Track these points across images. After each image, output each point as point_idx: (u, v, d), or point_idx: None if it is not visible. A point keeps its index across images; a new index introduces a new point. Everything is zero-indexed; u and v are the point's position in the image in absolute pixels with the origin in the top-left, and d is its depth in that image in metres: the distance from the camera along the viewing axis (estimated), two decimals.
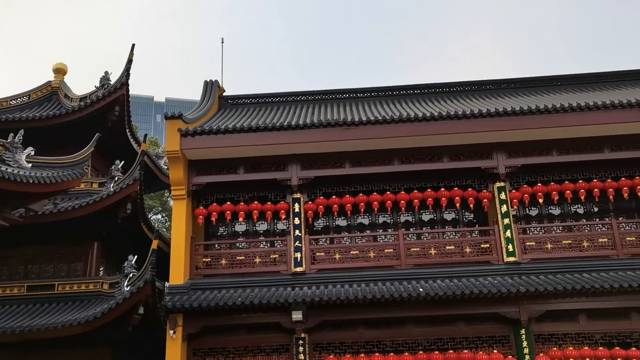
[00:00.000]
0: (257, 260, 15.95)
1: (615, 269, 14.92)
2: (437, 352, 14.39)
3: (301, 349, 14.52)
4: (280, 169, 16.32)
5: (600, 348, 14.18)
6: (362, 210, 16.48)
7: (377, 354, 14.53)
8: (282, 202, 16.30)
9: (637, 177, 15.84)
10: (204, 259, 16.17)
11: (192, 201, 16.47)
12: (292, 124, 15.85)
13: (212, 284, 15.52)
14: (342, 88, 21.23)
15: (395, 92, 20.84)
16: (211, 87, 20.77)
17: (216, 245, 17.04)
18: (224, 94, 21.26)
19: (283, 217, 16.35)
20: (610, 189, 15.84)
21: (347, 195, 16.33)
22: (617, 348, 14.14)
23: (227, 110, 20.38)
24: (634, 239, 15.54)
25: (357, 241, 16.86)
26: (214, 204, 16.43)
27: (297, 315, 14.38)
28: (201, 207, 16.37)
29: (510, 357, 14.25)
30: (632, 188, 15.76)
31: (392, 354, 14.47)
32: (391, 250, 15.92)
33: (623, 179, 15.90)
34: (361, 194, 16.29)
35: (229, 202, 16.39)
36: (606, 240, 15.56)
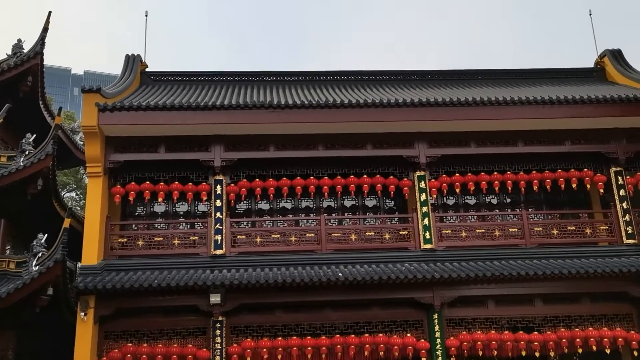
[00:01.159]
0: (176, 241, 15.61)
1: (523, 257, 15.69)
2: (353, 335, 14.66)
3: (218, 332, 14.38)
4: (203, 149, 15.98)
5: (506, 332, 14.90)
6: (285, 194, 16.44)
7: (294, 337, 14.62)
8: (204, 183, 15.99)
9: (547, 171, 16.66)
10: (119, 240, 15.64)
11: (109, 179, 15.85)
12: (216, 104, 15.53)
13: (127, 265, 15.04)
14: (270, 70, 21.02)
15: (323, 77, 20.82)
16: (133, 62, 19.99)
17: (133, 226, 16.53)
18: (147, 69, 20.53)
19: (204, 198, 16.05)
20: (522, 182, 16.57)
21: (271, 179, 16.24)
22: (521, 332, 14.91)
23: (149, 86, 19.69)
24: (541, 229, 16.39)
25: (279, 225, 16.84)
26: (132, 183, 15.89)
27: (215, 298, 14.22)
28: (118, 186, 15.79)
29: (422, 340, 14.73)
30: (541, 181, 16.57)
31: (309, 337, 14.60)
32: (312, 234, 16.02)
33: (534, 172, 16.68)
34: (285, 178, 16.24)
35: (148, 182, 15.90)
36: (516, 230, 16.33)
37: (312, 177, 16.30)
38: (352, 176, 16.38)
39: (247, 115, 15.55)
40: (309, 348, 14.39)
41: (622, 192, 16.34)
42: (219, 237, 15.40)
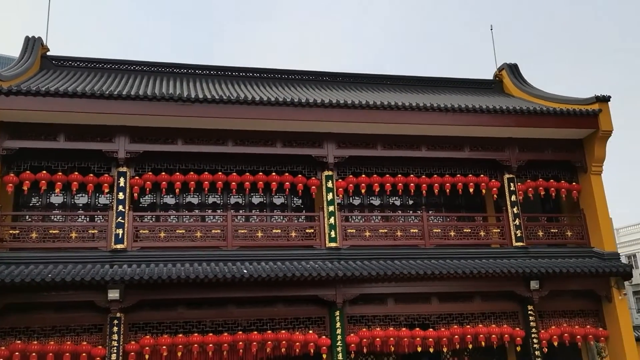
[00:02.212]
0: (74, 235, 14.95)
1: (423, 257, 16.36)
2: (256, 332, 14.68)
3: (115, 329, 13.92)
4: (106, 140, 15.42)
5: (404, 329, 15.47)
6: (192, 189, 16.16)
7: (195, 334, 14.42)
8: (107, 175, 15.43)
9: (447, 176, 17.46)
10: (11, 231, 14.77)
11: (2, 167, 14.93)
12: (122, 94, 15.02)
13: (19, 258, 14.24)
14: (181, 62, 20.53)
15: (237, 73, 20.62)
16: (33, 44, 18.88)
17: (27, 217, 15.66)
18: (49, 53, 19.47)
19: (106, 191, 15.47)
20: (424, 185, 17.25)
21: (178, 173, 15.93)
22: (417, 329, 15.55)
23: (50, 71, 18.69)
24: (439, 230, 17.17)
25: (185, 220, 16.55)
26: (28, 171, 15.04)
27: (113, 294, 13.75)
28: (12, 175, 14.90)
29: (324, 337, 14.99)
30: (442, 185, 17.34)
31: (211, 334, 14.45)
32: (219, 231, 15.89)
33: (435, 176, 17.42)
34: (192, 173, 15.98)
35: (45, 171, 15.11)
36: (417, 230, 17.00)
37: (220, 173, 16.15)
38: (260, 173, 16.39)
39: (155, 107, 15.17)
40: (210, 345, 14.25)
41: (513, 197, 17.43)
42: (120, 231, 14.92)
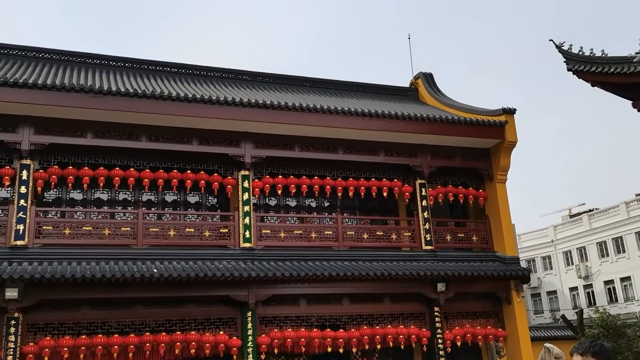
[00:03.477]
0: None
1: (336, 259, 16.60)
2: (164, 333, 14.35)
3: (13, 329, 13.15)
4: (9, 130, 14.58)
5: (315, 329, 15.63)
6: (101, 184, 15.57)
7: (100, 335, 13.90)
8: (8, 167, 14.57)
9: (362, 179, 17.82)
10: None
11: None
12: (27, 82, 14.24)
13: None
14: (98, 53, 19.67)
15: (156, 67, 20.02)
16: None
17: None
18: None
19: (7, 184, 14.61)
20: (340, 187, 17.52)
21: (86, 168, 15.30)
22: (328, 329, 15.76)
23: None
24: (353, 233, 17.49)
25: (93, 217, 15.92)
26: None
27: (11, 293, 12.98)
28: None
29: (235, 338, 14.88)
30: (357, 188, 17.68)
31: (116, 335, 13.98)
32: (128, 228, 15.40)
33: (351, 179, 17.75)
34: (102, 168, 15.41)
35: None
36: (331, 232, 17.23)
37: (132, 169, 15.67)
38: (175, 171, 16.05)
39: (62, 97, 14.49)
40: (116, 346, 13.78)
41: (424, 202, 18.04)
42: (21, 227, 14.13)
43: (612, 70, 20.31)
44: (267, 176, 16.96)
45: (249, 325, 15.00)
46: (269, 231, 16.66)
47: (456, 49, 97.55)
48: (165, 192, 16.90)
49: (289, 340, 15.25)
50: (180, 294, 14.60)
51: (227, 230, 16.16)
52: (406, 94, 23.20)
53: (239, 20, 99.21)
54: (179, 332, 14.50)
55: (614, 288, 37.41)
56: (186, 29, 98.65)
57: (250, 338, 14.89)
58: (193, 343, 14.40)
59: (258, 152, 16.65)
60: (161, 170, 15.89)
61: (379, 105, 19.43)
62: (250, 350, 14.82)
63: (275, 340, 15.11)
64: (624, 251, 36.72)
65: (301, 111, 16.49)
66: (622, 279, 36.71)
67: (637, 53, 20.00)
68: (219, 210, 17.42)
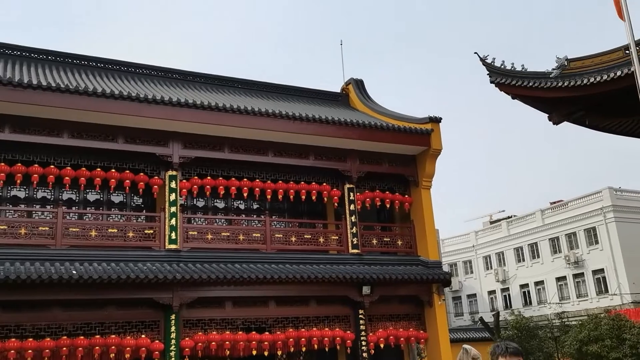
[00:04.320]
0: None
1: (264, 261, 16.57)
2: (82, 337, 13.85)
3: None
4: None
5: (240, 332, 15.53)
6: (18, 182, 14.85)
7: (13, 339, 13.23)
8: None
9: (292, 182, 17.86)
10: None
11: None
12: None
13: None
14: (18, 45, 18.69)
15: (80, 61, 19.25)
16: None
17: None
18: None
19: None
20: (269, 190, 17.51)
21: (3, 164, 14.57)
22: (254, 332, 15.70)
23: None
24: (281, 236, 17.52)
25: (8, 215, 15.16)
26: None
27: None
28: None
29: (157, 341, 14.56)
30: (286, 191, 17.73)
31: (31, 339, 13.36)
32: (47, 228, 14.77)
33: (280, 182, 17.74)
34: (20, 164, 14.71)
35: None
36: (259, 235, 17.19)
37: (52, 166, 15.05)
38: (99, 169, 15.55)
39: None
40: (30, 351, 13.17)
41: (352, 206, 18.33)
42: None
43: (530, 84, 21.42)
44: (196, 177, 16.72)
45: (173, 328, 14.72)
46: (195, 233, 16.43)
47: (389, 57, 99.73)
48: (88, 190, 16.33)
49: (213, 343, 15.08)
50: (101, 297, 14.14)
51: (152, 231, 15.80)
52: (337, 99, 23.50)
53: (168, 18, 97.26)
54: (98, 336, 14.04)
55: (528, 292, 39.27)
56: (114, 24, 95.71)
57: (173, 342, 14.61)
58: (113, 347, 13.98)
59: (187, 152, 16.40)
60: (84, 168, 15.36)
61: (310, 110, 19.59)
62: (172, 354, 14.54)
63: (200, 344, 14.91)
64: (538, 256, 38.63)
65: (231, 112, 16.38)
66: (536, 283, 38.61)
67: (553, 69, 21.18)
68: (144, 211, 17.01)
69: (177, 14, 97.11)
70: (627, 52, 17.16)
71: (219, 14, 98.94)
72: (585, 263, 35.08)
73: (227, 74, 22.21)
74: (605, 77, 19.25)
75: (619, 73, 18.77)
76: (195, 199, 17.70)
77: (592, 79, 19.59)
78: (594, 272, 34.67)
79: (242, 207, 18.57)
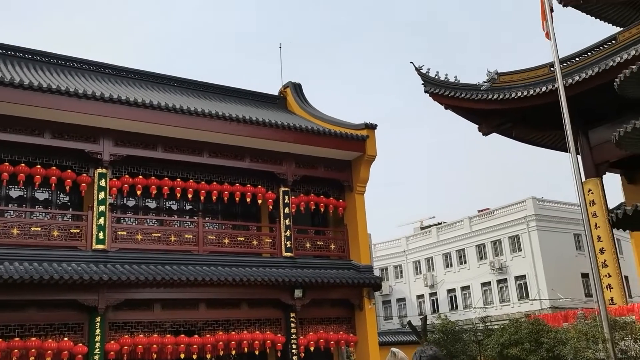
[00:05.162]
0: None
1: (195, 263, 16.32)
2: (1, 339, 13.19)
3: None
4: None
5: (168, 335, 15.23)
6: None
7: None
8: None
9: (226, 184, 17.72)
10: None
11: None
12: None
13: None
14: None
15: (5, 51, 18.39)
16: None
17: None
18: None
19: None
20: (203, 191, 17.28)
21: None
22: (183, 335, 15.44)
23: None
24: (214, 237, 17.32)
25: None
26: None
27: None
28: None
29: (81, 344, 14.06)
30: (220, 192, 17.54)
31: None
32: None
33: (215, 183, 17.58)
34: None
35: None
36: (191, 236, 16.93)
37: None
38: (23, 165, 14.91)
39: None
40: None
41: (286, 210, 18.35)
42: None
43: (462, 95, 22.21)
44: (127, 175, 16.29)
45: (97, 331, 14.26)
46: (125, 233, 15.99)
47: (330, 63, 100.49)
48: (10, 187, 15.59)
49: (140, 346, 14.73)
50: (21, 297, 13.53)
51: (78, 231, 15.27)
52: (275, 102, 23.48)
53: (105, 11, 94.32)
54: (17, 339, 13.44)
55: (455, 296, 40.47)
56: (46, 13, 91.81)
57: (97, 345, 14.16)
58: (33, 350, 13.42)
59: (118, 150, 15.95)
60: (7, 164, 14.69)
61: (247, 111, 19.49)
62: (97, 357, 14.10)
63: (125, 347, 14.52)
64: (465, 262, 39.89)
65: (166, 111, 16.08)
66: (463, 288, 39.84)
67: (484, 82, 22.07)
68: (70, 209, 16.40)
69: (110, 7, 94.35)
70: (552, 69, 18.11)
71: (158, 11, 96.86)
72: (509, 269, 36.50)
73: (164, 72, 21.72)
74: (531, 91, 20.27)
75: (544, 89, 19.83)
76: (125, 198, 17.23)
77: (519, 93, 20.60)
78: (516, 278, 36.12)
79: (174, 207, 18.22)
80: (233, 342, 15.97)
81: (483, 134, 23.77)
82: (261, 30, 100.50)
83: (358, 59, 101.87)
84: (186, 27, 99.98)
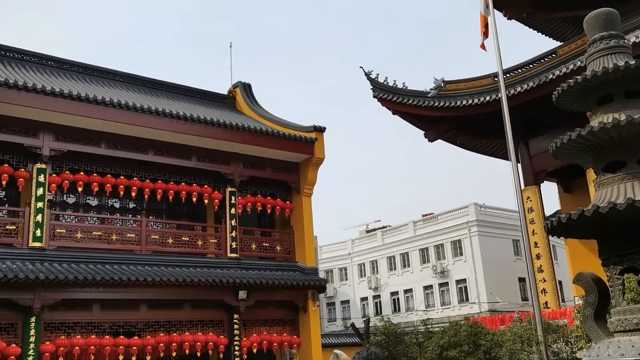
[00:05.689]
0: None
1: (138, 263, 15.98)
2: None
3: None
4: None
5: (107, 336, 14.86)
6: None
7: None
8: None
9: (172, 183, 17.45)
10: None
11: None
12: None
13: None
14: None
15: None
16: None
17: None
18: None
19: None
20: (147, 189, 16.95)
21: None
22: (122, 337, 15.08)
23: None
24: (157, 237, 17.01)
25: None
26: None
27: None
28: None
29: (14, 345, 13.55)
30: (165, 191, 17.25)
31: None
32: None
33: (160, 182, 17.27)
34: None
35: None
36: (134, 235, 16.57)
37: None
38: None
39: None
40: None
41: (233, 210, 18.21)
42: None
43: (409, 101, 22.61)
44: (67, 172, 15.81)
45: (32, 331, 13.78)
46: (64, 231, 15.51)
47: (283, 65, 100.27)
48: None
49: (76, 347, 14.32)
50: None
51: (14, 228, 14.70)
52: (223, 102, 23.28)
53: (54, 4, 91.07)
54: None
55: (398, 299, 41.11)
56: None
57: (32, 346, 13.68)
58: None
59: (58, 145, 15.46)
60: None
61: (195, 110, 19.24)
62: (30, 358, 13.60)
63: (61, 348, 14.09)
64: (409, 266, 40.59)
65: (111, 107, 15.69)
66: (406, 291, 40.53)
67: (431, 89, 22.53)
68: (6, 205, 15.77)
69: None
70: (496, 79, 18.68)
71: (105, 5, 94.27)
72: (450, 273, 37.38)
73: (110, 67, 21.14)
74: (475, 100, 20.85)
75: (487, 98, 20.42)
76: (65, 195, 16.73)
77: (463, 102, 21.15)
78: (458, 281, 37.03)
79: (117, 205, 17.80)
80: (174, 344, 15.73)
81: (429, 140, 24.27)
82: (212, 30, 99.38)
83: (313, 62, 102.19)
84: (133, 23, 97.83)
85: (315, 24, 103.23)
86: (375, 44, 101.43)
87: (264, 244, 19.14)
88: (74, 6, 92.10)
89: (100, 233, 16.08)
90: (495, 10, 16.52)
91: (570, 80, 6.03)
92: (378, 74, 23.85)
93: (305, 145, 19.27)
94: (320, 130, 19.71)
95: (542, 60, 20.12)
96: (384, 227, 44.97)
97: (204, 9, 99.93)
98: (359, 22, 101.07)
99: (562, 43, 21.25)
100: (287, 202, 19.63)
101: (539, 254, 19.96)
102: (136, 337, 15.29)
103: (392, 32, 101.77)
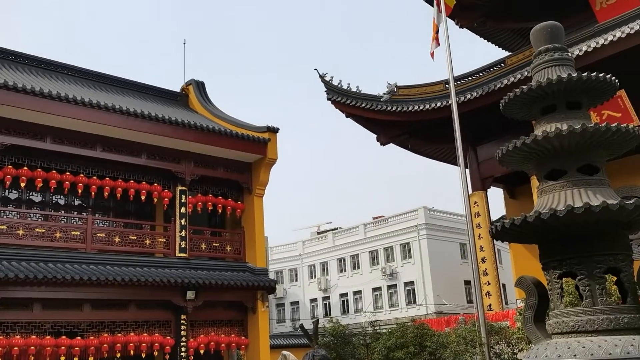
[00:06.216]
0: None
1: (82, 262, 15.56)
2: None
3: None
4: None
5: (48, 337, 14.41)
6: None
7: None
8: None
9: (120, 180, 17.07)
10: None
11: None
12: None
13: None
14: None
15: None
16: None
17: None
18: None
19: None
20: (94, 186, 16.52)
21: None
22: (64, 337, 14.65)
23: None
24: (103, 235, 16.61)
25: None
26: None
27: None
28: None
29: None
30: (113, 188, 16.86)
31: None
32: None
33: (107, 179, 16.87)
34: None
35: None
36: (79, 233, 16.12)
37: None
38: None
39: None
40: None
41: (183, 209, 17.96)
42: None
43: (362, 105, 22.82)
44: (10, 166, 15.27)
45: None
46: (5, 227, 14.97)
47: (238, 64, 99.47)
48: None
49: (15, 348, 13.82)
50: None
51: None
52: (176, 99, 22.93)
53: None
54: None
55: (347, 300, 41.41)
56: None
57: None
58: None
59: (0, 138, 14.89)
60: None
61: (146, 106, 18.87)
62: None
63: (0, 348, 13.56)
64: (358, 268, 40.95)
65: (57, 100, 15.23)
66: (355, 293, 40.86)
67: (384, 94, 22.81)
68: None
69: None
70: (447, 86, 19.08)
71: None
72: (399, 275, 37.91)
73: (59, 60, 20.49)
74: (426, 106, 21.22)
75: (438, 104, 20.82)
76: (7, 190, 16.12)
77: (415, 107, 21.50)
78: (406, 284, 37.58)
79: (61, 202, 17.28)
80: (119, 345, 15.38)
81: (381, 144, 24.54)
82: (166, 26, 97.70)
83: (267, 62, 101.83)
84: (87, 17, 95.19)
85: (280, 26, 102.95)
86: (336, 47, 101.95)
87: (214, 244, 18.96)
88: None
89: (43, 230, 15.58)
90: (447, 18, 16.88)
91: (517, 90, 6.23)
92: (332, 77, 23.97)
93: (258, 146, 19.19)
94: (274, 131, 19.67)
95: (491, 69, 20.66)
96: (335, 229, 45.22)
97: (160, 3, 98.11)
98: (326, 30, 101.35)
99: (510, 53, 21.88)
100: (239, 202, 19.50)
101: (484, 257, 20.46)
102: (79, 338, 14.88)
103: (353, 36, 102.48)
